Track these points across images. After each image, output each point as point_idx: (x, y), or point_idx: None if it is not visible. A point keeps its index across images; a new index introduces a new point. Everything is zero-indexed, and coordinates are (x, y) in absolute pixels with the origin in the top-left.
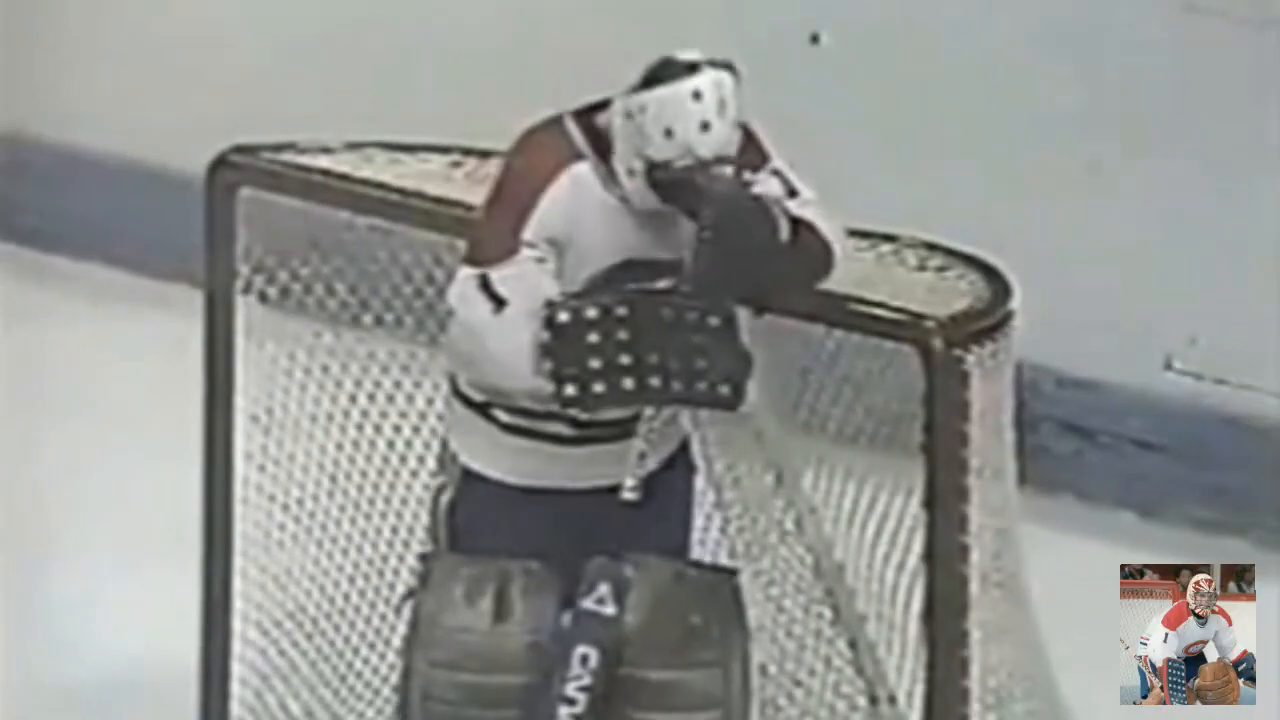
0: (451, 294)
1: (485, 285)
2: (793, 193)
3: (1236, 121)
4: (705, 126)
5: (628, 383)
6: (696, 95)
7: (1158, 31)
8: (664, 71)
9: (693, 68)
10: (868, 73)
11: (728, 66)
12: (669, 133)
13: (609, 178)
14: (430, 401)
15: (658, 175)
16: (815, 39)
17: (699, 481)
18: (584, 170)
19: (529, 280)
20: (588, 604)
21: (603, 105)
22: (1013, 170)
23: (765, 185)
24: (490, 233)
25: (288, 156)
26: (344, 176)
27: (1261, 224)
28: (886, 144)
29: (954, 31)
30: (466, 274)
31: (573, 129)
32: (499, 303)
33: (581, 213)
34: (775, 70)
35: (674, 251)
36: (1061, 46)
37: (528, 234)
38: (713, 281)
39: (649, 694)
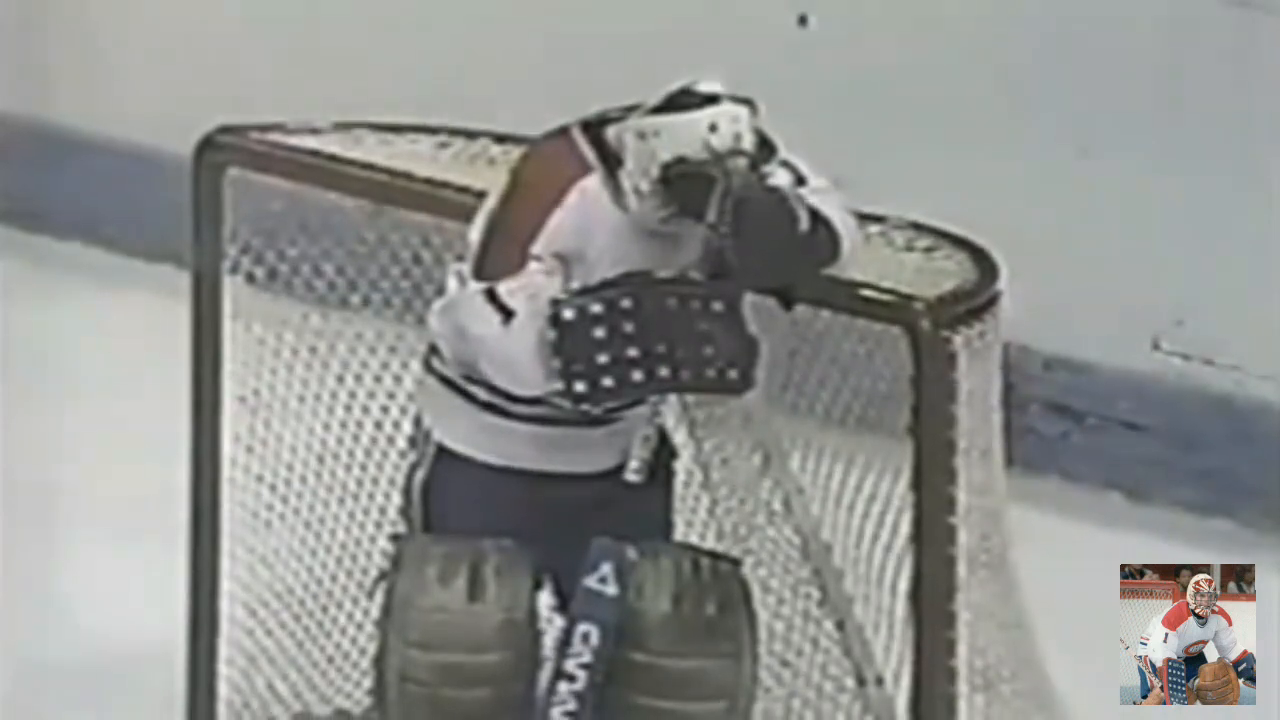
0: (456, 306)
1: (493, 297)
2: (801, 181)
3: (1224, 103)
4: None
5: (636, 375)
6: (712, 127)
7: (1143, 13)
8: (682, 99)
9: (712, 99)
10: (855, 55)
11: (747, 102)
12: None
13: (617, 192)
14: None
15: (672, 171)
16: (803, 21)
17: (687, 462)
18: (593, 184)
19: (535, 289)
20: (590, 583)
21: (608, 119)
22: (1000, 151)
23: (776, 177)
24: (498, 248)
25: (275, 137)
26: (332, 157)
27: (1248, 205)
28: (874, 126)
29: (941, 14)
30: (474, 288)
31: (581, 141)
32: (508, 314)
33: (590, 227)
34: (762, 52)
35: (679, 267)
36: (1048, 29)
37: (536, 249)
38: (735, 274)
39: (666, 683)
